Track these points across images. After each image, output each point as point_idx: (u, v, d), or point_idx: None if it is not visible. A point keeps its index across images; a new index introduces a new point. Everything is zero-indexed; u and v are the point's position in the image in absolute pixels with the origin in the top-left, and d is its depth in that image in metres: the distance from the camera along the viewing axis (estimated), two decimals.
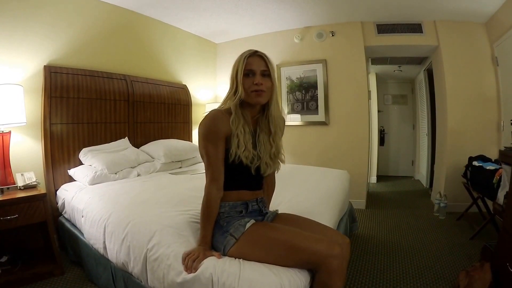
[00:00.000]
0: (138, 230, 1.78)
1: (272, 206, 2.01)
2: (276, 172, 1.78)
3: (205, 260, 1.40)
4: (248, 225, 1.49)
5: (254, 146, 1.58)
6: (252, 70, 1.51)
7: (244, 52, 1.55)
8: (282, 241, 1.40)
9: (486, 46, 4.14)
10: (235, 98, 1.52)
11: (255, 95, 1.51)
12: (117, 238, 1.88)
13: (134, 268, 1.73)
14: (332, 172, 3.30)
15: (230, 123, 1.50)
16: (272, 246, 1.40)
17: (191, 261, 1.40)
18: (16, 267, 2.47)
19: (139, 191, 2.50)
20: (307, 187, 2.67)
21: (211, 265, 1.37)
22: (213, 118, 1.50)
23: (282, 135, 1.79)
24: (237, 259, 1.42)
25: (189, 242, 1.59)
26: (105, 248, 2.05)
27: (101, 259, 2.14)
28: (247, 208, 1.60)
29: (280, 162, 1.71)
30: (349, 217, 3.13)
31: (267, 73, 1.54)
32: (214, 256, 1.44)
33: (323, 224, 1.69)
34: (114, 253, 1.91)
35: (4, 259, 2.52)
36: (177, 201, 2.16)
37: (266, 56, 1.56)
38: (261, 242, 1.42)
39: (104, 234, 2.04)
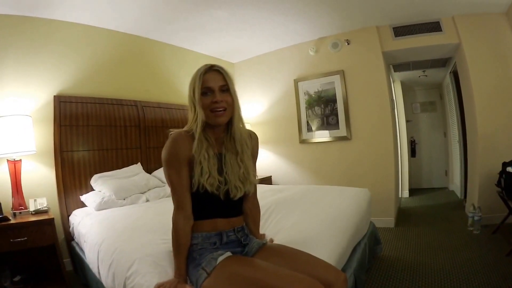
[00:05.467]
0: (122, 257, 1.72)
1: (271, 234, 1.87)
2: (249, 193, 1.59)
3: None
4: (220, 258, 1.33)
5: (220, 170, 1.45)
6: (210, 88, 1.40)
7: (199, 68, 1.44)
8: (256, 279, 1.23)
9: (511, 37, 3.81)
10: (197, 122, 1.40)
11: (215, 115, 1.40)
12: (106, 264, 1.84)
13: None
14: (349, 192, 3.02)
15: (193, 150, 1.38)
16: (244, 284, 1.23)
17: None
18: (28, 286, 2.63)
19: (137, 217, 2.45)
20: (314, 211, 2.40)
21: None
22: (173, 142, 1.39)
23: (256, 155, 1.68)
24: None
25: (166, 272, 1.48)
26: (99, 273, 2.02)
27: (100, 284, 2.09)
28: (221, 240, 1.45)
29: (252, 184, 1.55)
30: (370, 240, 2.84)
31: (226, 88, 1.43)
32: None
33: (316, 258, 1.45)
34: (104, 279, 1.87)
35: (17, 278, 2.63)
36: (168, 229, 2.05)
37: (223, 69, 1.45)
38: (233, 279, 1.27)
39: (98, 260, 2.01)
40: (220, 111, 1.39)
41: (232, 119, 1.46)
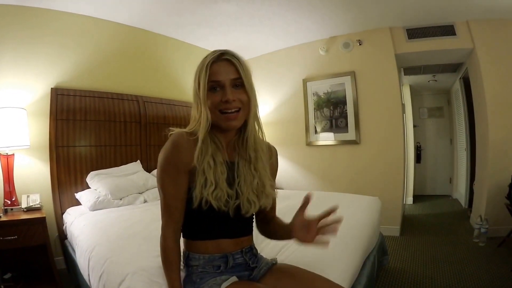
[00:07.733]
0: (113, 269, 1.56)
1: (278, 248, 1.70)
2: (265, 208, 1.28)
3: None
4: (224, 285, 1.11)
5: (231, 181, 1.18)
6: (219, 82, 1.10)
7: (207, 56, 1.13)
8: None
9: None
10: (202, 123, 1.11)
11: (226, 118, 1.11)
12: (96, 274, 1.68)
13: None
14: (361, 201, 2.86)
15: (195, 160, 1.11)
16: None
17: None
18: (18, 284, 2.52)
19: (133, 222, 2.28)
20: None
21: None
22: (174, 145, 1.11)
23: (275, 172, 1.45)
24: None
25: None
26: (89, 280, 1.87)
27: None
28: (227, 263, 1.21)
29: (269, 197, 1.24)
30: (378, 251, 2.67)
31: (239, 82, 1.12)
32: None
33: (330, 282, 1.27)
34: None
35: (7, 275, 2.55)
36: None
37: (237, 58, 1.12)
38: None
39: (88, 267, 1.86)
40: (232, 112, 1.10)
41: (247, 119, 1.17)
